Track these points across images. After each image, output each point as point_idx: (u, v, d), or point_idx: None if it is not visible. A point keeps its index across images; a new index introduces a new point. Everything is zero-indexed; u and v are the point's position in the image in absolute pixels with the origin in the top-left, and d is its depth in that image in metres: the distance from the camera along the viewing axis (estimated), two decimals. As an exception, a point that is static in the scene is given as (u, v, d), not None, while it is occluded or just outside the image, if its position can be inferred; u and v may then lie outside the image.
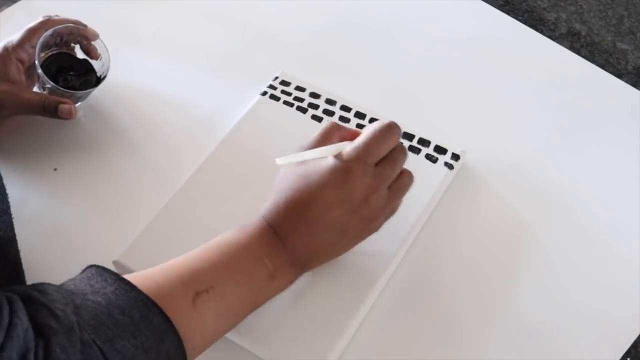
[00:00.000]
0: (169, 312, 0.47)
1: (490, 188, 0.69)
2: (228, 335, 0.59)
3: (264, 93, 0.74)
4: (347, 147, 0.56)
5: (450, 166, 0.68)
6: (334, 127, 0.59)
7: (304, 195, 0.55)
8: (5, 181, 0.58)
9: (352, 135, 0.59)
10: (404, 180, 0.59)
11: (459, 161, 0.68)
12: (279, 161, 0.55)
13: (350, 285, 0.60)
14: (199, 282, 0.51)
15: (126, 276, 0.49)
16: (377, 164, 0.57)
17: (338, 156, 0.56)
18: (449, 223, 0.67)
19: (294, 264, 0.56)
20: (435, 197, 0.66)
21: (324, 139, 0.58)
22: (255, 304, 0.55)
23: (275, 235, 0.55)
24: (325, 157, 0.56)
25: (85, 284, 0.48)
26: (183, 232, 0.64)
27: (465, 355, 0.59)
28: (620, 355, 0.59)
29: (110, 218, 0.68)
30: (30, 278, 0.60)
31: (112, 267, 0.63)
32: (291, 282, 0.56)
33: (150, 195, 0.69)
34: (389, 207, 0.59)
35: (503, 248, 0.65)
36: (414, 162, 0.68)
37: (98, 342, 0.44)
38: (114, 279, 0.48)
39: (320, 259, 0.58)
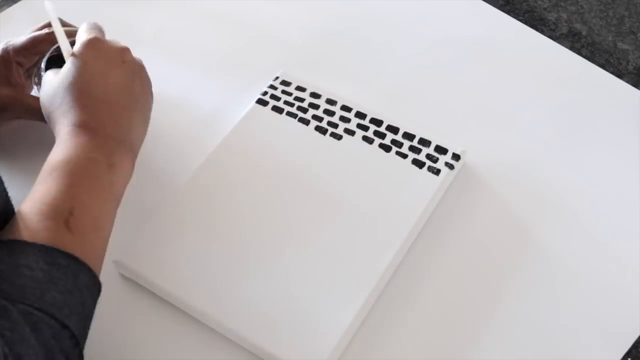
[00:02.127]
0: (61, 249, 0.49)
1: (491, 188, 0.69)
2: (228, 335, 0.59)
3: (265, 93, 0.74)
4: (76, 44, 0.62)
5: (450, 166, 0.68)
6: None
7: (79, 84, 0.58)
8: (5, 182, 0.57)
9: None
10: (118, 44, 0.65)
11: (460, 161, 0.68)
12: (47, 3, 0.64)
13: (350, 285, 0.60)
14: (60, 210, 0.52)
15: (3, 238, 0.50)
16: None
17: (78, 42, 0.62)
18: (449, 223, 0.67)
19: (117, 144, 0.58)
20: (436, 197, 0.66)
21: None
22: (116, 196, 0.57)
23: (85, 130, 0.57)
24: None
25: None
26: (183, 232, 0.64)
27: (465, 355, 0.59)
28: (621, 356, 0.59)
29: (111, 218, 0.68)
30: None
31: (112, 267, 0.63)
32: (131, 160, 0.59)
33: (150, 195, 0.69)
34: (140, 61, 0.64)
35: (503, 248, 0.65)
36: (414, 162, 0.68)
37: (34, 305, 0.45)
38: (2, 245, 0.49)
39: (132, 127, 0.60)
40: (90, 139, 0.57)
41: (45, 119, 0.61)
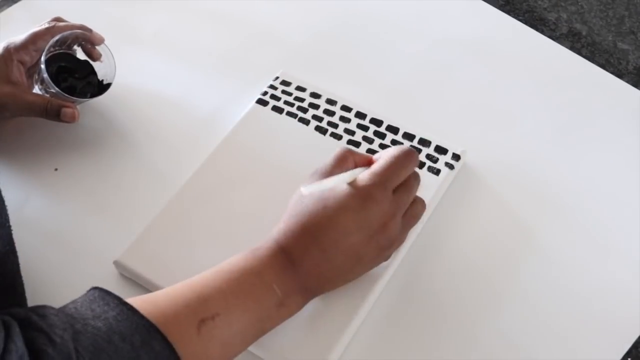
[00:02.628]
0: (172, 339, 0.46)
1: (491, 188, 0.69)
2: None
3: (265, 93, 0.74)
4: (364, 173, 0.56)
5: (450, 166, 0.68)
6: (347, 152, 0.58)
7: (321, 220, 0.53)
8: (5, 181, 0.58)
9: (365, 161, 0.59)
10: (417, 207, 0.59)
11: (460, 161, 0.68)
12: (304, 191, 0.52)
13: (350, 285, 0.60)
14: (205, 308, 0.49)
15: (130, 300, 0.47)
16: (394, 191, 0.56)
17: (355, 182, 0.55)
18: (449, 223, 0.67)
19: (304, 289, 0.54)
20: (436, 197, 0.66)
21: (339, 164, 0.57)
22: (261, 332, 0.53)
23: (287, 260, 0.53)
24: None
25: (87, 307, 0.47)
26: (183, 232, 0.64)
27: (465, 355, 0.59)
28: (621, 356, 0.59)
29: (111, 218, 0.68)
30: (31, 279, 0.60)
31: (112, 267, 0.63)
32: (300, 308, 0.55)
33: (150, 195, 0.69)
34: (404, 234, 0.58)
35: (503, 248, 0.65)
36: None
37: None
38: (117, 303, 0.47)
39: (331, 285, 0.56)
40: (283, 271, 0.53)
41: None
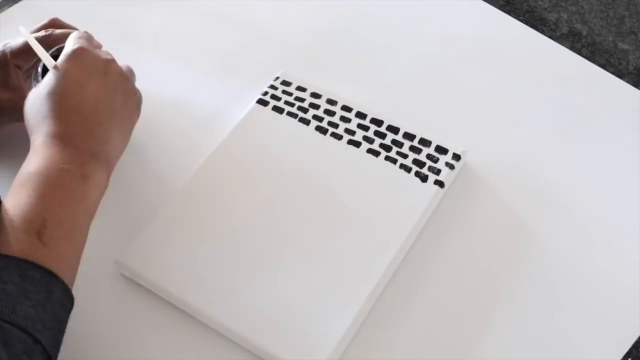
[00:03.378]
0: (35, 262, 0.48)
1: (491, 188, 0.69)
2: (228, 335, 0.59)
3: (265, 93, 0.74)
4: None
5: (451, 166, 0.68)
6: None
7: (57, 94, 0.58)
8: (5, 184, 0.57)
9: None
10: (123, 65, 0.65)
11: (460, 161, 0.68)
12: (21, 29, 0.64)
13: (350, 285, 0.60)
14: (32, 222, 0.51)
15: None
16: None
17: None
18: (450, 223, 0.66)
19: (92, 154, 0.57)
20: (436, 197, 0.66)
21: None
22: (90, 207, 0.56)
23: (59, 141, 0.56)
24: None
25: None
26: (183, 231, 0.64)
27: (465, 355, 0.59)
28: (621, 356, 0.59)
29: (112, 218, 0.68)
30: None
31: (112, 267, 0.63)
32: (106, 172, 0.59)
33: (150, 195, 0.69)
34: (130, 76, 0.64)
35: (503, 248, 0.65)
36: (414, 162, 0.68)
37: (6, 319, 0.44)
38: None
39: (109, 139, 0.60)
40: (63, 149, 0.56)
41: (26, 128, 0.60)
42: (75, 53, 0.61)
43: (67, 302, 0.50)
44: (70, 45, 0.62)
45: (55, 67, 0.60)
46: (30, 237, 0.50)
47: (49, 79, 0.59)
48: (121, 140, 0.62)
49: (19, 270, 0.47)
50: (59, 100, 0.58)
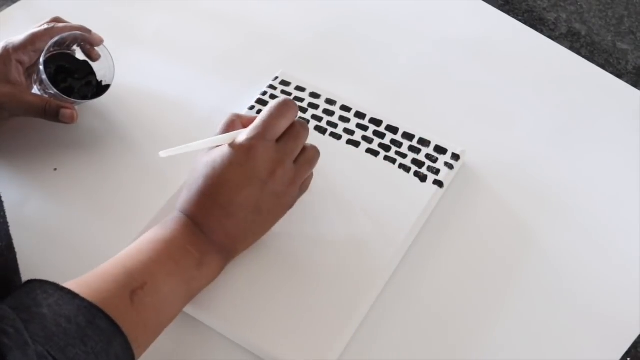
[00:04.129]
0: (111, 314, 0.48)
1: (490, 188, 0.69)
2: (229, 335, 0.59)
3: (264, 93, 0.74)
4: (244, 130, 0.59)
5: (450, 166, 0.68)
6: (234, 117, 0.62)
7: (212, 180, 0.57)
8: (5, 181, 0.57)
9: (251, 120, 0.61)
10: (310, 153, 0.61)
11: (459, 161, 0.69)
12: (162, 154, 0.57)
13: (350, 285, 0.60)
14: (133, 280, 0.52)
15: (64, 285, 0.50)
16: (278, 140, 0.59)
17: (237, 139, 0.58)
18: (449, 222, 0.67)
19: (218, 249, 0.58)
20: (436, 197, 0.66)
21: (227, 131, 0.61)
22: (190, 293, 0.56)
23: (194, 224, 0.57)
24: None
25: (26, 297, 0.48)
26: (183, 232, 0.64)
27: (465, 355, 0.59)
28: (621, 355, 0.59)
29: (111, 218, 0.68)
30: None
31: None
32: (221, 267, 0.59)
33: (150, 195, 0.69)
34: (298, 180, 0.60)
35: (502, 247, 0.65)
36: (414, 162, 0.68)
37: (52, 353, 0.44)
38: (55, 289, 0.49)
39: (242, 241, 0.59)
40: (193, 233, 0.57)
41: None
42: (251, 147, 0.57)
43: (124, 358, 0.49)
44: (253, 130, 0.58)
45: (231, 145, 0.58)
46: (122, 292, 0.51)
47: (215, 159, 0.58)
48: (253, 239, 0.60)
49: (88, 315, 0.48)
50: (210, 188, 0.57)
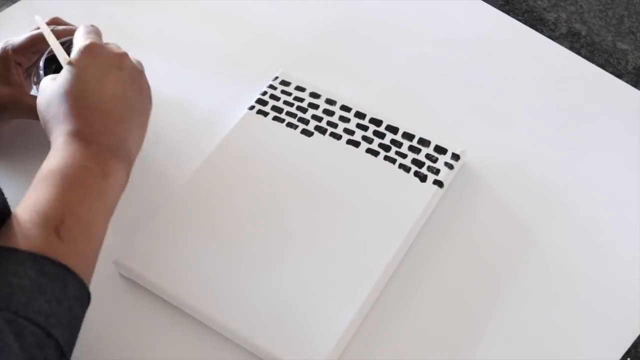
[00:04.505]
0: (51, 257, 0.48)
1: (490, 188, 0.69)
2: (228, 335, 0.59)
3: (264, 93, 0.74)
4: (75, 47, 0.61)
5: (450, 166, 0.68)
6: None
7: (74, 91, 0.58)
8: (5, 182, 0.57)
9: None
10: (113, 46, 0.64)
11: (459, 161, 0.69)
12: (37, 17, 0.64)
13: (349, 284, 0.60)
14: (51, 219, 0.51)
15: None
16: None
17: (73, 52, 0.61)
18: (448, 223, 0.67)
19: (113, 152, 0.57)
20: (435, 196, 0.66)
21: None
22: (109, 206, 0.56)
23: (79, 140, 0.57)
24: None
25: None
26: (183, 232, 0.64)
27: (464, 355, 0.59)
28: (621, 355, 0.59)
29: (111, 218, 0.68)
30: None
31: (112, 267, 0.63)
32: (127, 171, 0.59)
33: (150, 195, 0.69)
34: (140, 66, 0.64)
35: (502, 248, 0.65)
36: (413, 162, 0.68)
37: (19, 313, 0.45)
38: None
39: (131, 135, 0.60)
40: (84, 147, 0.56)
41: (42, 125, 0.61)
42: (89, 48, 0.60)
43: (83, 297, 0.50)
44: (81, 40, 0.62)
45: (69, 63, 0.60)
46: (48, 233, 0.50)
47: (65, 77, 0.59)
48: (139, 135, 0.62)
49: (35, 265, 0.47)
50: (78, 98, 0.58)
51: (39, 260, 0.48)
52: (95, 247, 0.54)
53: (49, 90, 0.60)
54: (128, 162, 0.59)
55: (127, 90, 0.60)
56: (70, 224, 0.51)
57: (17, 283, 0.46)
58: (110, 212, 0.56)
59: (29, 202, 0.53)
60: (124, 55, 0.62)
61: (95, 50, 0.60)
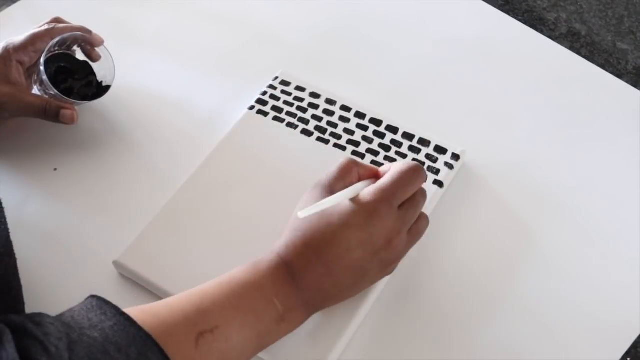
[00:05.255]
0: (169, 351, 0.45)
1: (490, 188, 0.69)
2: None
3: (264, 93, 0.74)
4: (369, 188, 0.55)
5: (450, 166, 0.68)
6: (351, 163, 0.58)
7: (324, 235, 0.53)
8: (5, 182, 0.57)
9: (369, 173, 0.58)
10: (422, 224, 0.58)
11: (459, 161, 0.69)
12: (301, 214, 0.52)
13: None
14: (204, 321, 0.48)
15: (128, 310, 0.46)
16: (399, 207, 0.55)
17: (359, 197, 0.54)
18: (449, 223, 0.67)
19: (305, 304, 0.53)
20: (436, 197, 0.66)
21: (342, 176, 0.57)
22: (260, 347, 0.52)
23: (289, 275, 0.53)
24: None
25: (84, 316, 0.46)
26: (183, 232, 0.64)
27: (464, 355, 0.59)
28: (621, 355, 0.59)
29: (111, 218, 0.68)
30: (30, 280, 0.60)
31: (112, 268, 0.63)
32: (300, 323, 0.54)
33: (150, 195, 0.69)
34: (407, 250, 0.58)
35: (502, 247, 0.65)
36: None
37: None
38: (114, 312, 0.46)
39: (333, 301, 0.55)
40: (285, 284, 0.52)
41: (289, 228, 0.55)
42: (379, 208, 0.53)
43: None
44: (380, 192, 0.54)
45: (356, 200, 0.54)
46: (189, 332, 0.47)
47: (332, 211, 0.53)
48: (342, 300, 0.56)
49: (142, 347, 0.44)
50: (318, 241, 0.53)
51: (148, 343, 0.45)
52: None
53: (313, 201, 0.54)
54: (310, 314, 0.55)
55: (367, 269, 0.54)
56: (216, 339, 0.48)
57: (112, 355, 0.43)
58: (258, 352, 0.52)
59: (199, 291, 0.50)
60: (399, 233, 0.54)
61: (383, 215, 0.53)
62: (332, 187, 0.56)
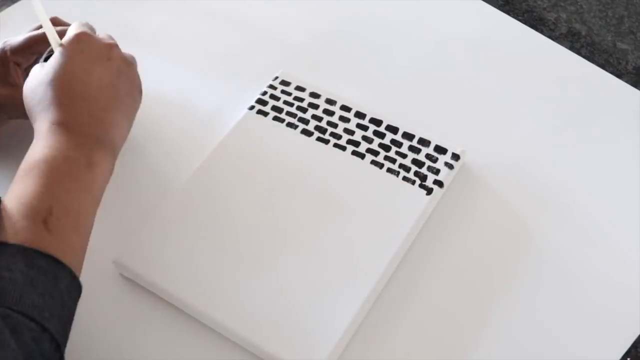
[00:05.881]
0: (41, 250, 0.48)
1: (490, 188, 0.69)
2: (228, 335, 0.59)
3: (264, 93, 0.74)
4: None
5: (450, 166, 0.68)
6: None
7: (61, 79, 0.58)
8: (5, 182, 0.57)
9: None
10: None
11: (459, 161, 0.69)
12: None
13: (349, 285, 0.60)
14: (38, 210, 0.51)
15: None
16: None
17: (62, 41, 0.61)
18: (448, 223, 0.67)
19: (97, 142, 0.57)
20: (435, 196, 0.66)
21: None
22: (95, 196, 0.56)
23: (63, 128, 0.56)
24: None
25: None
26: (183, 232, 0.64)
27: (464, 355, 0.59)
28: (620, 355, 0.59)
29: (111, 218, 0.68)
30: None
31: (112, 267, 0.63)
32: (112, 161, 0.58)
33: (150, 195, 0.69)
34: (133, 61, 0.64)
35: (502, 248, 0.65)
36: (413, 162, 0.68)
37: (13, 307, 0.44)
38: None
39: (115, 125, 0.60)
40: (69, 137, 0.56)
41: (27, 112, 0.60)
42: (79, 37, 0.60)
43: (74, 290, 0.50)
44: (72, 31, 0.62)
45: (61, 45, 0.60)
46: (36, 225, 0.50)
47: (52, 64, 0.59)
48: (126, 126, 0.62)
49: (25, 259, 0.47)
50: (64, 86, 0.58)
51: (29, 253, 0.48)
52: (84, 238, 0.54)
53: (36, 77, 0.60)
54: (113, 151, 0.59)
55: (115, 80, 0.61)
56: (58, 216, 0.51)
57: (8, 277, 0.46)
58: (97, 202, 0.56)
59: (15, 193, 0.53)
60: (114, 45, 0.63)
61: (85, 38, 0.61)
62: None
